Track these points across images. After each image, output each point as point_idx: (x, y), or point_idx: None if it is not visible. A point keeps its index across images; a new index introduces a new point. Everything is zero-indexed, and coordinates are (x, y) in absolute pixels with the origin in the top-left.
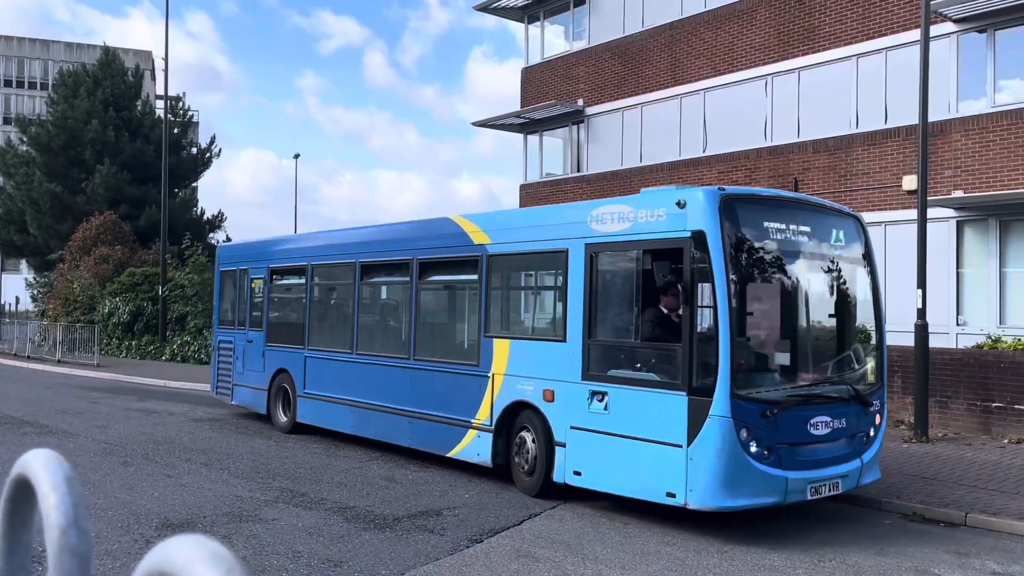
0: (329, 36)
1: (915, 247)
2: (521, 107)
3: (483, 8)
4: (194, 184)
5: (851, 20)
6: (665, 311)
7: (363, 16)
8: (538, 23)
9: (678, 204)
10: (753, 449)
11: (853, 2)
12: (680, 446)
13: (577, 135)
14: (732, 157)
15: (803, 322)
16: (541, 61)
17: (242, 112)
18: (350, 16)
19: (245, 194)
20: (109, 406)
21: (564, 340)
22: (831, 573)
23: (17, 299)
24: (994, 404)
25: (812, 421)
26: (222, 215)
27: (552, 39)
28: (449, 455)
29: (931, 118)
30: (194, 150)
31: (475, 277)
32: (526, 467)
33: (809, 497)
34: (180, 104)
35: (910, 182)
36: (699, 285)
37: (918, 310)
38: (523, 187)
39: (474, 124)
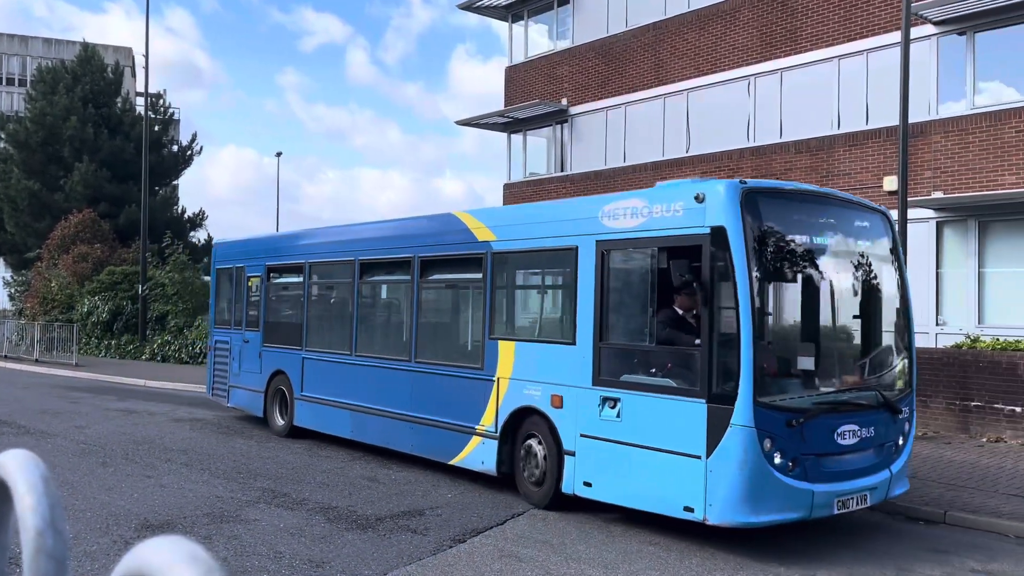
0: (311, 33)
1: None
2: (505, 106)
3: (466, 7)
4: (175, 182)
5: (833, 22)
6: (682, 312)
7: (345, 13)
8: (522, 22)
9: (696, 198)
10: (777, 461)
11: (835, 4)
12: (699, 457)
13: (561, 135)
14: (715, 157)
15: (829, 323)
16: (525, 60)
17: (223, 109)
18: (332, 13)
19: (226, 192)
20: (88, 406)
21: (573, 343)
22: (811, 571)
23: None
24: (972, 403)
25: (839, 430)
26: (203, 213)
27: (536, 38)
28: (452, 463)
29: (911, 119)
30: (175, 148)
31: (479, 276)
32: (535, 476)
33: (836, 511)
34: (161, 101)
35: (891, 183)
36: (719, 284)
37: None
38: (507, 186)
39: (458, 123)
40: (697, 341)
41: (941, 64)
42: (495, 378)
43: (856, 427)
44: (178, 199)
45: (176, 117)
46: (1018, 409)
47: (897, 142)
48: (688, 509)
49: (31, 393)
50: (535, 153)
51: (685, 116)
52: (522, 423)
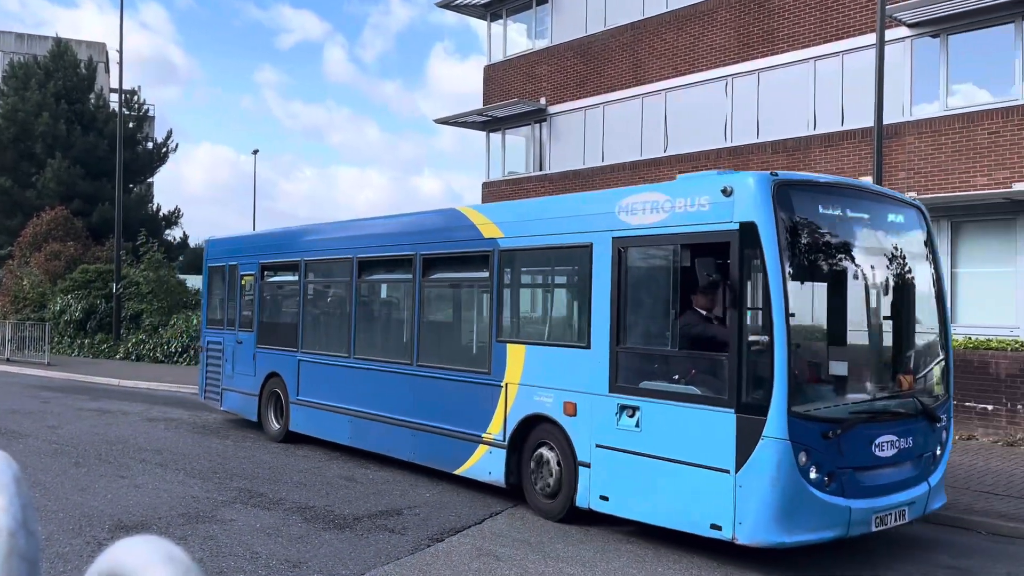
0: (288, 30)
1: None
2: (484, 105)
3: (445, 5)
4: (150, 179)
5: (809, 23)
6: (707, 314)
7: (323, 10)
8: (500, 21)
9: (724, 192)
10: (813, 475)
11: (811, 6)
12: (727, 471)
13: (539, 134)
14: (693, 157)
15: (864, 325)
16: (503, 59)
17: (199, 106)
18: (310, 10)
19: (202, 190)
20: (61, 405)
21: (588, 347)
22: (794, 567)
23: None
24: None
25: (877, 441)
26: (179, 211)
27: (514, 37)
28: (457, 472)
29: (886, 121)
30: (149, 145)
31: (485, 275)
32: (548, 488)
33: (874, 528)
34: (135, 97)
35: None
36: (749, 285)
37: None
38: (485, 185)
39: (436, 121)
40: (725, 345)
41: (915, 66)
42: (503, 383)
43: (895, 437)
44: (153, 197)
45: (151, 114)
46: (990, 407)
47: (872, 143)
48: (715, 527)
49: (2, 393)
50: (514, 152)
51: (663, 116)
52: (532, 432)
